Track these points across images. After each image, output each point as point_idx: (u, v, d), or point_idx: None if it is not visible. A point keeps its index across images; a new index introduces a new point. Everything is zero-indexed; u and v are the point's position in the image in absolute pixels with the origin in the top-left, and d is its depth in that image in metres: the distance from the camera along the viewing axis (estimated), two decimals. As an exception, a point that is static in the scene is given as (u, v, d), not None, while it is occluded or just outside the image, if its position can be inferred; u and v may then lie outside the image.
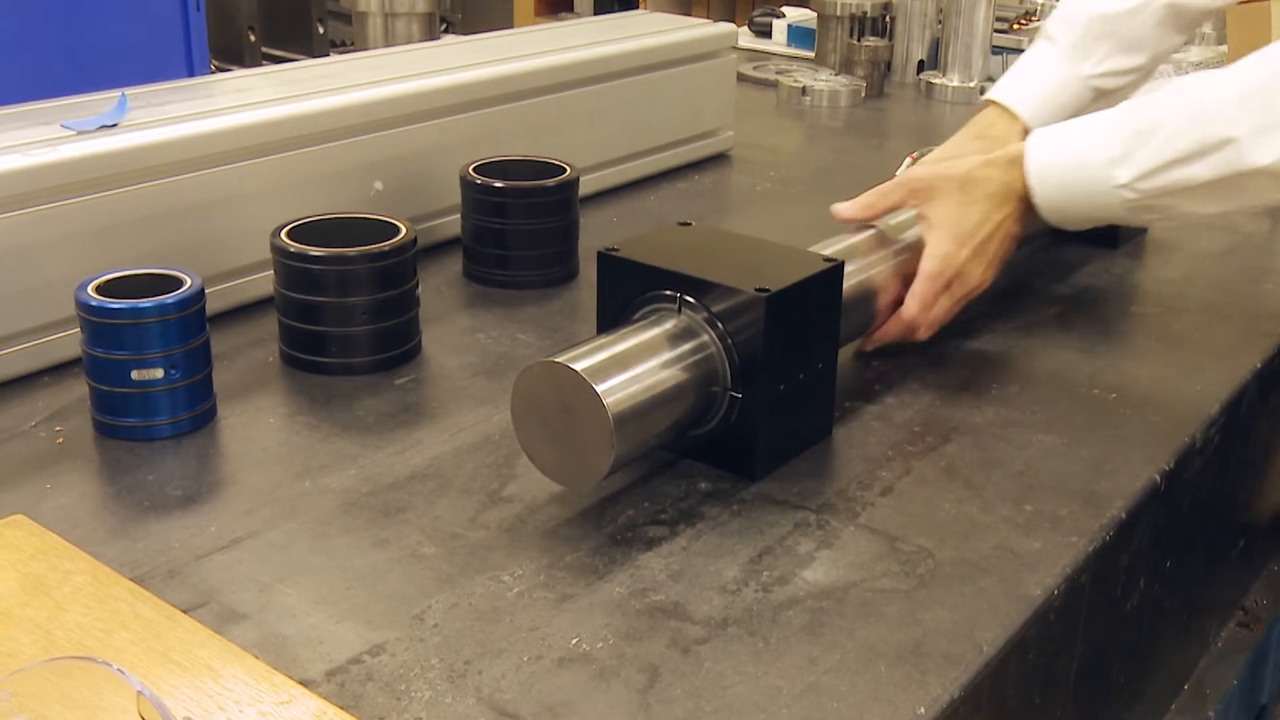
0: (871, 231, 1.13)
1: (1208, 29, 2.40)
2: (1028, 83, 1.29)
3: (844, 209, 1.15)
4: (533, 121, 1.43)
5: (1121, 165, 1.04)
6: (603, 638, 0.75)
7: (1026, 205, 1.11)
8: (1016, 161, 1.10)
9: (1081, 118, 1.10)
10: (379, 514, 0.87)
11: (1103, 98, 1.29)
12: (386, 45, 1.85)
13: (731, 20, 2.30)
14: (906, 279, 1.11)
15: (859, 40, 2.18)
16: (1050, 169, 1.09)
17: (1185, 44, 1.34)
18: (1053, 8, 2.61)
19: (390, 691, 0.70)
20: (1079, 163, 1.07)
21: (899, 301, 1.11)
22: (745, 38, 2.51)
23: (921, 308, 1.10)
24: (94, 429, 0.97)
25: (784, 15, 2.59)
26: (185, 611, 0.75)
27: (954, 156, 1.21)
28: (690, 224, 1.04)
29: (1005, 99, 1.29)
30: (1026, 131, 1.24)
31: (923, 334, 1.12)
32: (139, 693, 0.59)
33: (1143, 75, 1.31)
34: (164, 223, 1.10)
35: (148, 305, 0.94)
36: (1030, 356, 1.16)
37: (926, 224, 1.11)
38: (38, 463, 0.93)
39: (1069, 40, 1.29)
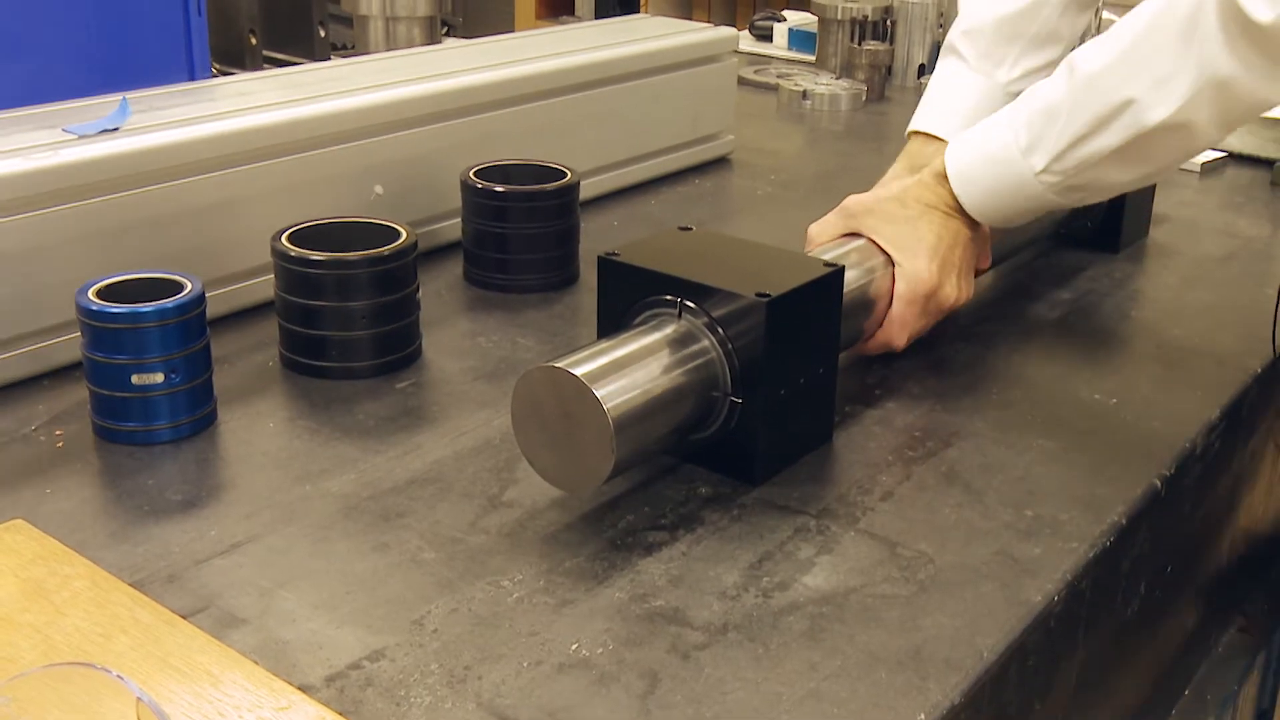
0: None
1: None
2: (947, 105, 1.28)
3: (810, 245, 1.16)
4: (533, 125, 1.43)
5: (1034, 153, 1.05)
6: (603, 643, 0.75)
7: (967, 214, 1.12)
8: (941, 176, 1.11)
9: (985, 120, 1.11)
10: (379, 518, 0.87)
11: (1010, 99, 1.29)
12: (388, 49, 1.86)
13: (732, 24, 2.30)
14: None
15: (860, 44, 2.18)
16: (970, 176, 1.10)
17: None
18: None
19: (390, 697, 0.70)
20: (993, 160, 1.08)
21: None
22: (746, 41, 2.51)
23: (900, 329, 1.10)
24: (94, 433, 0.97)
25: (785, 19, 2.59)
26: (185, 616, 0.75)
27: (884, 185, 1.21)
28: (691, 228, 1.04)
29: (930, 127, 1.28)
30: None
31: (900, 348, 1.12)
32: (138, 699, 0.59)
33: (1053, 69, 1.30)
34: (165, 227, 1.10)
35: (148, 309, 0.94)
36: (1031, 361, 1.16)
37: (885, 246, 1.10)
38: (37, 467, 0.93)
39: (977, 51, 1.28)
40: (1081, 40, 1.27)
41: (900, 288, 1.09)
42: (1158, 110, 0.97)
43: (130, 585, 0.78)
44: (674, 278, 0.93)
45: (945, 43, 1.32)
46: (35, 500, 0.88)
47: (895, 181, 1.16)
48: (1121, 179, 1.06)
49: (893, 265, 1.10)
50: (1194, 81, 0.95)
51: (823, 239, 1.14)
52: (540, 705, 0.70)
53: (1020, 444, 1.00)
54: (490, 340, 1.16)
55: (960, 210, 1.11)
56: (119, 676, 0.59)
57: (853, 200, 1.14)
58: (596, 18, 4.19)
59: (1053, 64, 1.26)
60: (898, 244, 1.10)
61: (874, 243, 1.11)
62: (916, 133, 1.30)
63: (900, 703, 0.71)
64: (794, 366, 0.93)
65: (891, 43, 2.26)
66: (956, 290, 1.12)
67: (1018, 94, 1.25)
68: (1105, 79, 1.00)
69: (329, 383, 1.06)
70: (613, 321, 0.96)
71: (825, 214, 1.17)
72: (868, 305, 1.08)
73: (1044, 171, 1.05)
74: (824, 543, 0.86)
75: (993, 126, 1.09)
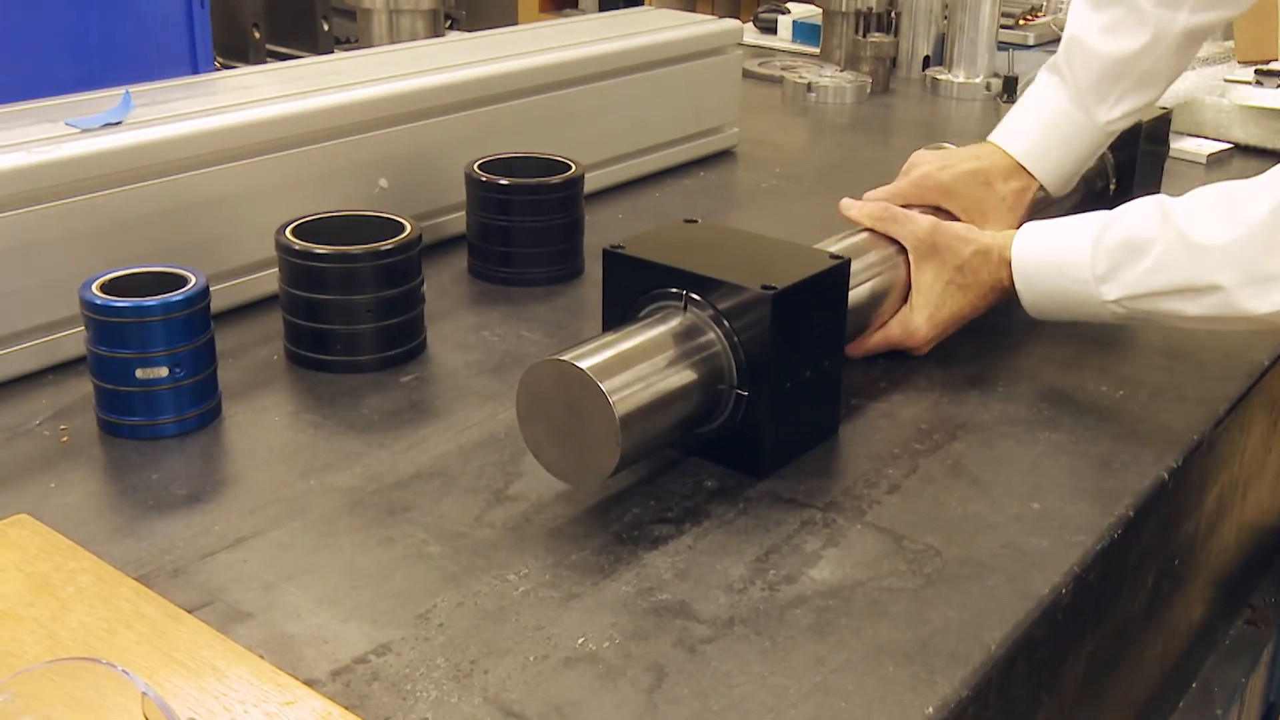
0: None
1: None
2: (1042, 137, 1.23)
3: (853, 211, 1.15)
4: (538, 118, 1.43)
5: (1108, 283, 1.02)
6: (609, 637, 0.75)
7: (1009, 297, 1.11)
8: (1006, 262, 1.09)
9: (1060, 224, 1.07)
10: (384, 512, 0.87)
11: (1111, 138, 1.26)
12: (391, 42, 1.85)
13: (736, 16, 2.29)
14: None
15: (864, 36, 2.17)
16: (1035, 276, 1.08)
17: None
18: (1058, 4, 2.60)
19: (396, 691, 0.70)
20: (1063, 274, 1.05)
21: (903, 299, 1.11)
22: (750, 34, 2.51)
23: (861, 353, 1.11)
24: (98, 428, 0.97)
25: (789, 11, 2.59)
26: (190, 611, 0.75)
27: (957, 192, 1.19)
28: (696, 221, 1.03)
29: (1017, 153, 1.23)
30: (1038, 189, 1.23)
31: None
32: (144, 694, 0.58)
33: (1151, 105, 1.27)
34: (168, 220, 1.10)
35: (152, 303, 0.93)
36: (1037, 354, 1.15)
37: (915, 282, 1.11)
38: (42, 461, 0.93)
39: (1084, 83, 1.22)
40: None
41: (893, 330, 1.11)
42: (1253, 306, 0.95)
43: (135, 580, 0.77)
44: (679, 271, 0.92)
45: (1056, 56, 1.25)
46: (40, 495, 0.88)
47: (971, 234, 1.12)
48: (1190, 324, 1.03)
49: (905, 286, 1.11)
50: None
51: (887, 228, 1.13)
52: (546, 699, 0.70)
53: (1027, 437, 1.00)
54: (495, 334, 1.16)
55: (1006, 291, 1.10)
56: (124, 671, 0.59)
57: (927, 231, 1.11)
58: (600, 10, 4.18)
59: (1150, 104, 1.25)
60: (925, 294, 1.10)
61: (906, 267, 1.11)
62: (997, 146, 1.25)
63: (907, 696, 0.71)
64: (800, 359, 0.93)
65: (896, 35, 2.25)
66: (926, 349, 1.13)
67: (1113, 132, 1.23)
68: (1205, 256, 0.96)
69: (333, 377, 1.06)
70: (618, 315, 0.95)
71: (830, 206, 1.17)
72: (862, 314, 1.08)
73: (1114, 302, 1.03)
74: (830, 536, 0.86)
75: (1070, 238, 1.05)
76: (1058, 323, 1.12)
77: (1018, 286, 1.09)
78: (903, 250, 1.11)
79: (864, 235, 1.11)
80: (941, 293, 1.10)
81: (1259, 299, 0.94)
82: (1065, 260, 1.05)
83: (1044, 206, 1.24)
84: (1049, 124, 1.24)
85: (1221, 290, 0.96)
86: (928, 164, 1.22)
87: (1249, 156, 1.78)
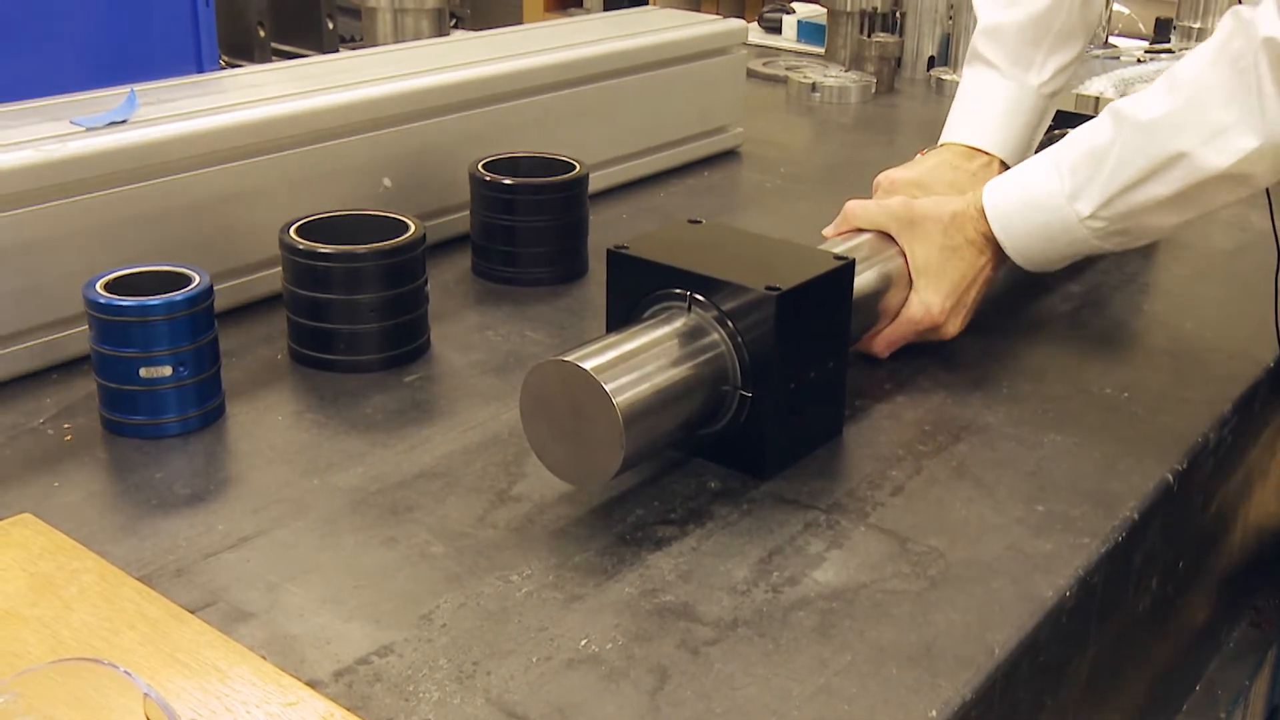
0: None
1: (1196, 24, 2.39)
2: (982, 115, 1.26)
3: (828, 230, 1.16)
4: (542, 118, 1.43)
5: (1079, 199, 1.04)
6: (612, 638, 0.75)
7: (1000, 251, 1.11)
8: (983, 213, 1.10)
9: (1024, 164, 1.10)
10: (387, 512, 0.87)
11: (1054, 101, 1.28)
12: (396, 41, 1.85)
13: (741, 16, 2.29)
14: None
15: (869, 36, 2.17)
16: (1011, 219, 1.09)
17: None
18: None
19: (398, 692, 0.70)
20: (1036, 205, 1.07)
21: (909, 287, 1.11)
22: (755, 34, 2.50)
23: (886, 346, 1.11)
24: (102, 426, 0.97)
25: (794, 11, 2.58)
26: (192, 611, 0.75)
27: (928, 183, 1.20)
28: (700, 221, 1.03)
29: (967, 139, 1.26)
30: (1000, 163, 1.24)
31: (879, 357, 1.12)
32: (145, 694, 0.58)
33: (1078, 61, 1.29)
34: (173, 219, 1.10)
35: (156, 303, 0.93)
36: (1042, 355, 1.15)
37: (912, 263, 1.10)
38: (46, 460, 0.93)
39: (1005, 57, 1.25)
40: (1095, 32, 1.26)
41: (908, 312, 1.10)
42: (1215, 161, 0.96)
43: (138, 579, 0.77)
44: (684, 271, 0.92)
45: (970, 50, 1.29)
46: (43, 493, 0.88)
47: (945, 200, 1.13)
48: (1170, 222, 1.05)
49: (908, 277, 1.10)
50: (1255, 139, 0.94)
51: (858, 223, 1.13)
52: (549, 701, 0.69)
53: (1031, 438, 1.00)
54: (498, 334, 1.16)
55: (995, 245, 1.11)
56: (126, 672, 0.59)
57: (900, 205, 1.11)
58: (605, 9, 4.18)
59: (1077, 58, 1.27)
60: (924, 270, 1.10)
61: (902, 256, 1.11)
62: (951, 145, 1.27)
63: (911, 699, 0.71)
64: (804, 360, 0.93)
65: (901, 35, 2.25)
66: (957, 327, 1.12)
67: (1051, 95, 1.25)
68: (1158, 130, 0.99)
69: (337, 376, 1.06)
70: (622, 315, 0.95)
71: (834, 207, 1.16)
72: (870, 310, 1.08)
73: (1090, 217, 1.04)
74: (834, 538, 0.86)
75: (1035, 170, 1.08)
76: (1053, 271, 1.14)
77: (997, 234, 1.09)
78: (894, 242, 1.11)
79: (859, 238, 1.11)
80: (939, 262, 1.10)
81: (1219, 153, 0.96)
82: (1034, 191, 1.07)
83: None
84: (985, 105, 1.26)
85: (1185, 156, 0.97)
86: (891, 173, 1.23)
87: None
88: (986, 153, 1.24)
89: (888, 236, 1.11)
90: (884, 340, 1.10)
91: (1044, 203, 1.06)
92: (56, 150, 1.03)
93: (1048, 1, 1.24)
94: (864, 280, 1.05)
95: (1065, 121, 1.42)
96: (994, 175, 1.20)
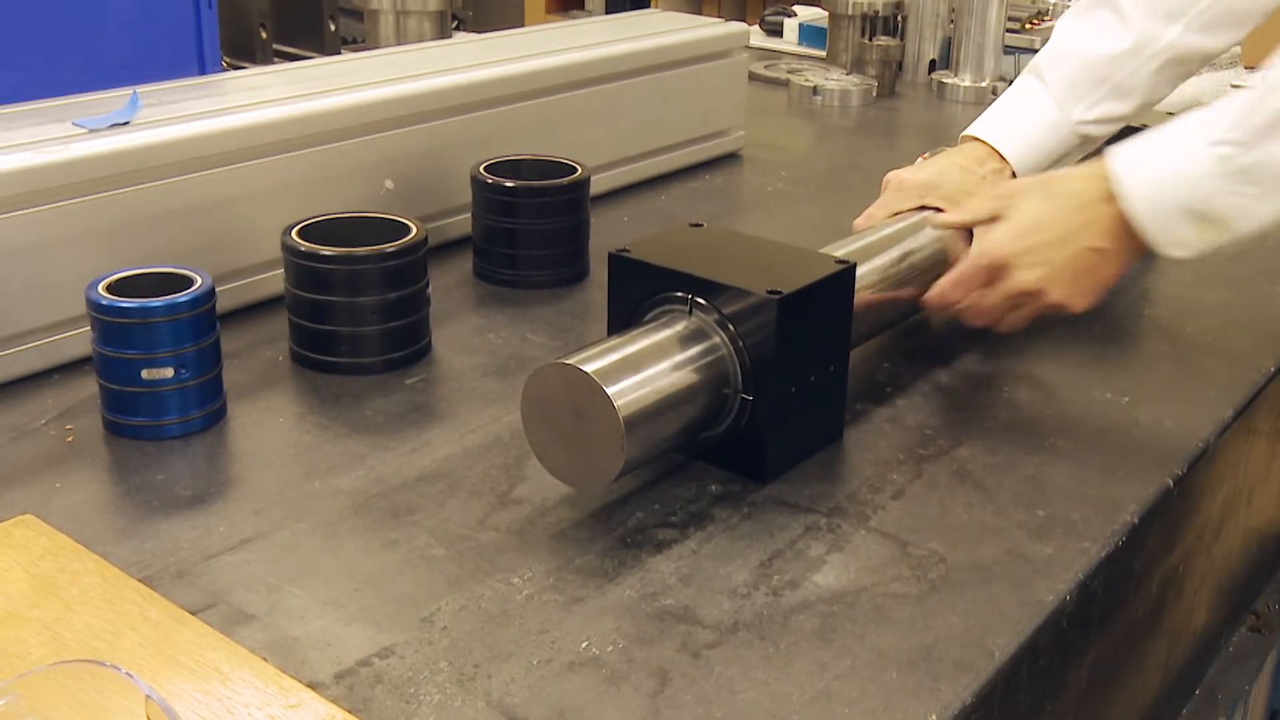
0: (893, 228, 1.13)
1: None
2: (1014, 124, 1.24)
3: (871, 210, 1.17)
4: (544, 120, 1.43)
5: (1207, 127, 0.97)
6: (612, 641, 0.75)
7: (1113, 215, 1.01)
8: (1097, 170, 1.03)
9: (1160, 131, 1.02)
10: (388, 515, 0.87)
11: (1087, 144, 1.24)
12: (398, 43, 1.85)
13: (743, 19, 2.29)
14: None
15: (870, 39, 2.17)
16: (1136, 159, 1.01)
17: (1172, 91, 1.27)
18: (1065, 8, 2.60)
19: (399, 695, 0.70)
20: (1164, 139, 1.00)
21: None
22: (756, 37, 2.50)
23: (953, 287, 1.08)
24: (104, 428, 0.97)
25: (795, 14, 2.59)
26: (194, 613, 0.75)
27: (938, 183, 1.20)
28: (702, 225, 1.03)
29: (990, 138, 1.24)
30: (1013, 174, 1.22)
31: (969, 319, 1.11)
32: (147, 696, 0.59)
33: (1126, 120, 1.24)
34: (175, 221, 1.10)
35: (158, 304, 0.94)
36: (1042, 360, 1.15)
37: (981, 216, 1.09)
38: (47, 461, 0.93)
39: (1061, 80, 1.22)
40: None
41: (972, 249, 1.07)
42: None
43: (139, 581, 0.77)
44: (685, 274, 0.92)
45: (1036, 59, 1.26)
46: (45, 495, 0.88)
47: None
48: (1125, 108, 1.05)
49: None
50: None
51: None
52: (550, 704, 0.70)
53: (1032, 443, 1.00)
54: (500, 336, 1.16)
55: (1105, 202, 1.01)
56: (128, 674, 0.59)
57: (1006, 187, 1.11)
58: (607, 13, 4.18)
59: (1124, 118, 1.22)
60: (1010, 215, 1.06)
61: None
62: (974, 138, 1.25)
63: (911, 703, 0.71)
64: (805, 364, 0.93)
65: (902, 38, 2.25)
66: (1038, 281, 1.04)
67: (1085, 135, 1.22)
68: None
69: (338, 378, 1.06)
70: (623, 318, 0.95)
71: (835, 210, 1.17)
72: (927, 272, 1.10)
73: (1222, 141, 0.95)
74: (834, 541, 0.86)
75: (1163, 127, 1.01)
76: (1173, 244, 1.01)
77: (1118, 168, 1.00)
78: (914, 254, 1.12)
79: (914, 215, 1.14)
80: (1024, 206, 1.04)
81: None
82: (1162, 132, 1.00)
83: None
84: (1022, 115, 1.24)
85: None
86: (900, 172, 1.23)
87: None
88: (1005, 160, 1.22)
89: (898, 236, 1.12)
90: (951, 281, 1.07)
91: (1172, 136, 0.99)
92: (59, 152, 1.03)
93: (1123, 48, 1.19)
94: (922, 239, 1.08)
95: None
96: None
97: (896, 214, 1.17)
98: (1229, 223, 0.97)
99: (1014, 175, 1.23)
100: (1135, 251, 1.03)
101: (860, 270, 0.99)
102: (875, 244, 1.11)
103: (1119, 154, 1.02)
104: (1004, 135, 1.24)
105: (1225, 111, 0.97)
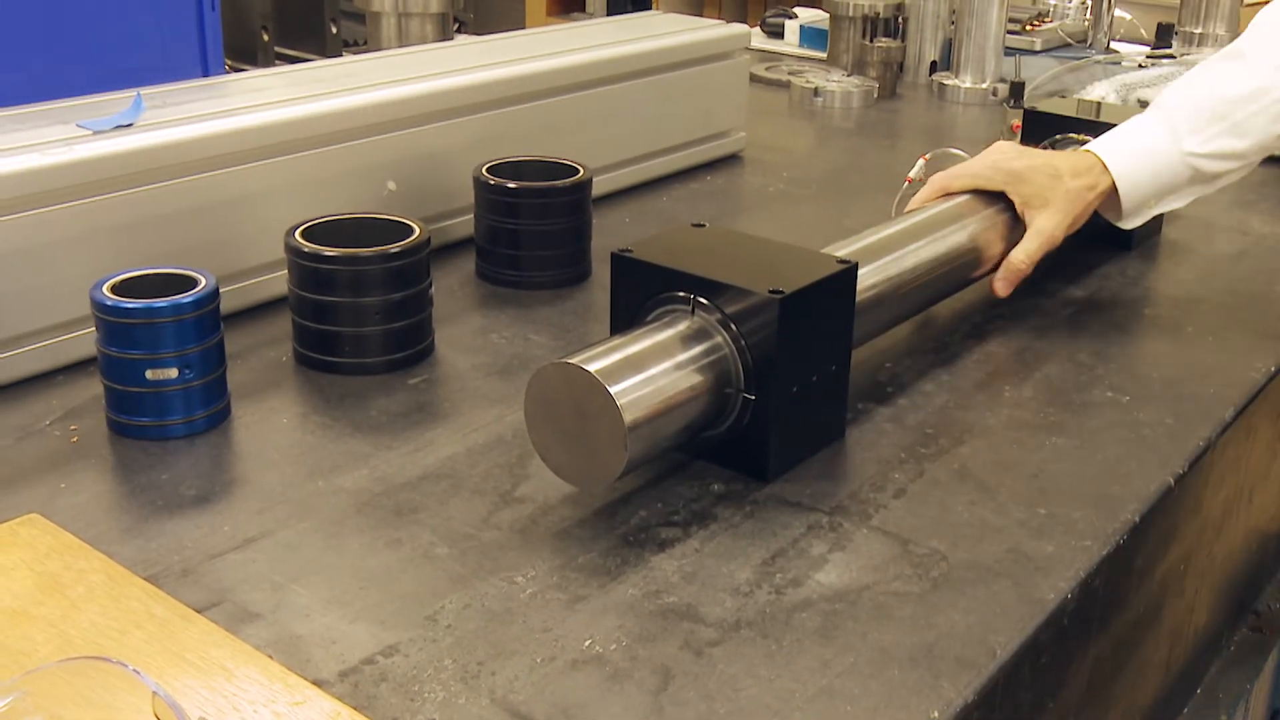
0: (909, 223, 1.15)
1: (1222, 30, 2.40)
2: (1127, 144, 1.26)
3: (915, 201, 1.25)
4: (546, 122, 1.43)
5: (1181, 135, 1.20)
6: (615, 639, 0.75)
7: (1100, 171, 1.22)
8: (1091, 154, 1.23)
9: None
10: (392, 514, 0.87)
11: (1199, 182, 1.25)
12: (400, 45, 1.86)
13: (743, 21, 2.30)
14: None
15: (871, 41, 2.17)
16: (1114, 147, 1.23)
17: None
18: (1065, 10, 2.61)
19: (404, 692, 0.70)
20: (1136, 130, 1.24)
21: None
22: (757, 38, 2.51)
23: (1021, 266, 1.21)
24: (108, 428, 0.97)
25: (796, 16, 2.59)
26: (199, 611, 0.75)
27: (1028, 180, 1.24)
28: (704, 225, 1.04)
29: (1101, 151, 1.26)
30: (1112, 193, 1.24)
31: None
32: (154, 693, 0.59)
33: (1242, 168, 1.25)
34: (179, 222, 1.11)
35: (163, 305, 0.94)
36: (1043, 359, 1.15)
37: (1027, 202, 1.22)
38: (52, 461, 0.93)
39: (1180, 113, 1.24)
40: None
41: (1031, 237, 1.21)
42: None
43: (144, 580, 0.78)
44: (687, 274, 0.93)
45: (1159, 98, 1.28)
46: (49, 495, 0.89)
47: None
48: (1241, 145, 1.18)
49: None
50: None
51: (959, 184, 1.24)
52: (553, 701, 0.70)
53: (1033, 442, 1.00)
54: (502, 337, 1.16)
55: (1100, 186, 1.22)
56: (134, 671, 0.60)
57: (1004, 161, 1.24)
58: (608, 15, 4.19)
59: (1239, 156, 1.24)
60: (1041, 204, 1.22)
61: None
62: (1088, 152, 1.27)
63: (913, 700, 0.71)
64: (807, 363, 0.93)
65: (903, 40, 2.25)
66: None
67: (1196, 168, 1.24)
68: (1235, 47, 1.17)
69: (342, 378, 1.07)
70: (626, 318, 0.96)
71: (837, 210, 1.17)
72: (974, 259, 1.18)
73: (1189, 133, 1.17)
74: (836, 540, 0.86)
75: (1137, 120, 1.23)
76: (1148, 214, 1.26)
77: (1104, 156, 1.23)
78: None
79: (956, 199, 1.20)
80: (1057, 196, 1.21)
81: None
82: (1134, 124, 1.24)
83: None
84: (1135, 137, 1.26)
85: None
86: (1003, 151, 1.27)
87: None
88: (1106, 169, 1.24)
89: (985, 196, 1.19)
90: (1012, 261, 1.21)
91: (1142, 129, 1.22)
92: (63, 153, 1.04)
93: (1246, 91, 1.21)
94: (972, 226, 1.16)
95: (1066, 125, 1.43)
96: (1088, 203, 1.24)
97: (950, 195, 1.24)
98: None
99: (1115, 192, 1.23)
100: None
101: (863, 270, 1.00)
102: (877, 244, 1.11)
103: (1098, 143, 1.23)
104: (1115, 151, 1.25)
105: (1182, 103, 1.20)
